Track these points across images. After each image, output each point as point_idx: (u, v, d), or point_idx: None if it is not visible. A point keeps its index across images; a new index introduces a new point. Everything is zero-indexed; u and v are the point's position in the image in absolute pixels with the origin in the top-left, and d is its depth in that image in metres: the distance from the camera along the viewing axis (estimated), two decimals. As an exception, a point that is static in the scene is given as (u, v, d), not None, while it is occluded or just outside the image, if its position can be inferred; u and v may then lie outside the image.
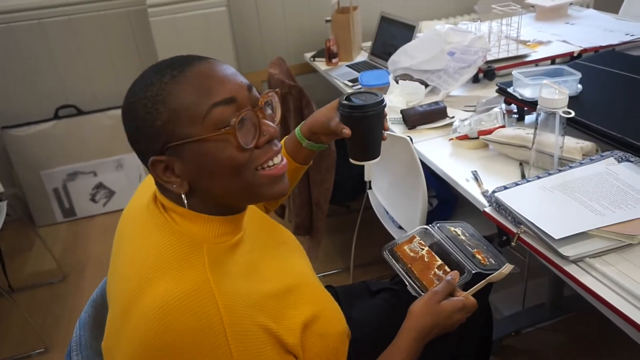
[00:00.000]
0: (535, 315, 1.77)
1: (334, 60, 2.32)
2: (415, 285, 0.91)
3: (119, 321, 0.66)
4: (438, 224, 1.05)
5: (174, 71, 0.66)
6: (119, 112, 2.59)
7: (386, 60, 2.00)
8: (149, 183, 0.78)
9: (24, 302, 2.15)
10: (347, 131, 0.88)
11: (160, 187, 0.72)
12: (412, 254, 0.96)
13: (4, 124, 2.55)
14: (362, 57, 2.39)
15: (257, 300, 0.67)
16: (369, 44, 2.39)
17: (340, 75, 2.17)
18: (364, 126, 0.90)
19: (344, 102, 0.90)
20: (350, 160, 0.95)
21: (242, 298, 0.65)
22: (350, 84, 2.07)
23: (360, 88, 0.82)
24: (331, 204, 1.92)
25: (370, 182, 1.79)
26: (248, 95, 0.69)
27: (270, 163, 0.71)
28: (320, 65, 2.39)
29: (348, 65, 2.29)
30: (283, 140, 1.00)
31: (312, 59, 2.48)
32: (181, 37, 2.36)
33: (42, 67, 2.55)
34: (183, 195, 0.69)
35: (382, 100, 0.90)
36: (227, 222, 0.72)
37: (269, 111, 0.74)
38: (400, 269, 0.96)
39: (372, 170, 1.74)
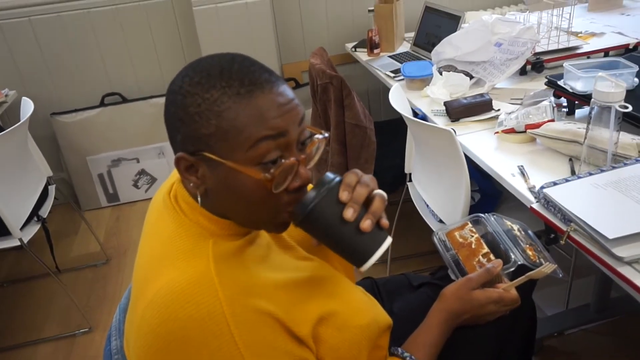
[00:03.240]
0: (580, 316, 1.71)
1: (375, 51, 2.29)
2: (456, 271, 0.90)
3: (131, 311, 0.69)
4: (494, 215, 1.02)
5: (241, 88, 0.62)
6: (161, 100, 2.67)
7: (429, 51, 1.97)
8: (171, 178, 0.79)
9: (70, 282, 2.23)
10: (314, 242, 0.70)
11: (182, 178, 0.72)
12: (460, 240, 0.95)
13: (53, 110, 2.64)
14: (404, 47, 2.35)
15: (266, 290, 0.66)
16: (411, 34, 2.35)
17: (382, 66, 2.15)
18: (316, 230, 0.67)
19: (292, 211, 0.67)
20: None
21: (246, 288, 0.64)
22: (392, 74, 2.04)
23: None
24: (370, 196, 1.90)
25: (410, 174, 1.76)
26: (298, 130, 0.65)
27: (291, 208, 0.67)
28: (362, 55, 2.36)
29: (390, 56, 2.26)
30: None
31: (353, 49, 2.46)
32: (223, 27, 2.38)
33: (89, 56, 2.62)
34: (198, 196, 0.68)
35: (323, 184, 0.66)
36: (239, 227, 0.71)
37: (313, 152, 0.70)
38: (446, 254, 0.94)
39: (413, 162, 1.71)
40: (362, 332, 0.75)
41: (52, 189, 2.10)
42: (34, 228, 1.86)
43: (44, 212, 1.96)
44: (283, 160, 0.63)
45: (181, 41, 2.67)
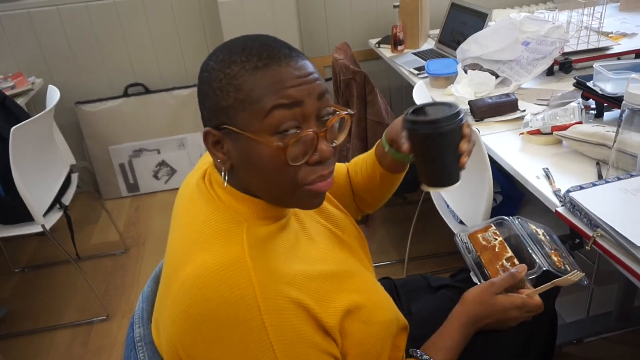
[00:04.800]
0: (601, 324, 1.67)
1: (399, 48, 2.27)
2: (479, 274, 0.88)
3: (162, 294, 0.69)
4: (519, 219, 1.00)
5: (259, 62, 0.64)
6: (183, 92, 2.69)
7: (454, 49, 1.94)
8: (205, 160, 0.80)
9: (89, 270, 2.27)
10: (406, 147, 0.79)
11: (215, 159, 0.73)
12: (484, 243, 0.93)
13: (78, 99, 2.67)
14: (428, 45, 2.32)
15: (297, 279, 0.67)
16: (436, 31, 2.32)
17: (406, 63, 2.12)
18: (433, 145, 0.75)
19: (409, 115, 0.76)
20: (421, 187, 0.81)
21: (278, 275, 0.65)
22: (416, 72, 2.01)
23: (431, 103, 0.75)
24: (389, 194, 1.89)
25: (431, 174, 1.74)
26: (317, 103, 0.66)
27: (317, 180, 0.68)
28: (385, 52, 2.34)
29: (414, 53, 2.23)
30: (377, 144, 0.96)
31: (377, 45, 2.43)
32: (248, 20, 2.38)
33: (114, 46, 2.65)
34: (223, 172, 0.70)
35: (457, 114, 0.74)
36: (270, 207, 0.71)
37: (335, 128, 0.70)
38: (468, 257, 0.93)
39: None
40: (386, 328, 0.75)
41: (74, 177, 2.13)
42: (57, 215, 1.89)
43: (67, 199, 1.99)
44: (298, 131, 0.65)
45: (205, 34, 2.68)
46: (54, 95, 1.95)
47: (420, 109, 0.78)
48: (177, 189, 0.82)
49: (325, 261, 0.74)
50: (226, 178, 0.70)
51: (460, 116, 0.75)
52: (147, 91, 2.73)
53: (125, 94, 2.71)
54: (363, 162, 0.99)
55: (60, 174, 1.99)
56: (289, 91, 0.63)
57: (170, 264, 0.69)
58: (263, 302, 0.61)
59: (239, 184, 0.70)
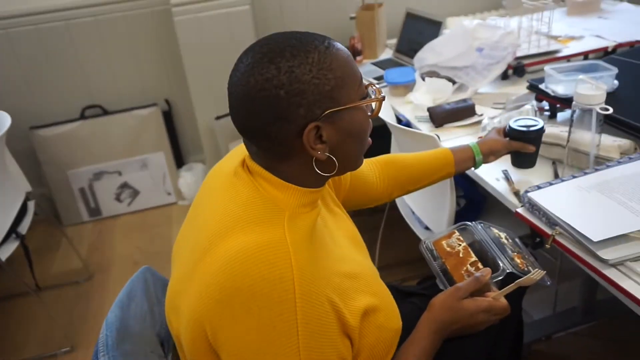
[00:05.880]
0: (567, 319, 1.71)
1: (358, 58, 2.29)
2: (444, 280, 0.88)
3: (191, 267, 0.69)
4: (481, 223, 1.01)
5: (321, 45, 0.70)
6: (143, 111, 2.65)
7: (412, 57, 1.97)
8: (238, 151, 0.82)
9: (50, 301, 2.18)
10: (531, 148, 1.14)
11: (256, 154, 0.74)
12: (448, 249, 0.94)
13: (32, 124, 2.59)
14: (386, 54, 2.35)
15: (327, 274, 0.69)
16: (393, 41, 2.35)
17: (365, 73, 2.14)
18: (537, 142, 1.16)
19: (520, 127, 1.15)
20: (515, 167, 1.21)
21: (314, 266, 0.67)
22: (375, 81, 2.03)
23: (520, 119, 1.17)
24: (355, 204, 1.88)
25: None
26: None
27: None
28: (344, 63, 2.35)
29: (373, 63, 2.25)
30: (447, 149, 1.14)
31: (335, 57, 2.45)
32: (205, 36, 2.36)
33: (68, 67, 2.58)
34: (319, 163, 0.72)
35: (543, 127, 1.15)
36: (308, 194, 0.74)
37: None
38: (434, 264, 0.93)
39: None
40: (395, 336, 0.78)
41: (31, 205, 2.05)
42: (13, 245, 1.81)
43: (23, 228, 1.90)
44: (375, 88, 0.77)
45: (162, 51, 2.64)
46: (4, 121, 1.88)
47: (519, 124, 1.17)
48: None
49: (345, 260, 0.77)
50: (318, 168, 0.73)
51: (543, 126, 1.15)
52: (105, 112, 2.66)
53: (82, 117, 2.64)
54: (419, 163, 1.12)
55: (14, 203, 1.91)
56: (353, 61, 0.73)
57: (204, 237, 0.70)
58: (299, 287, 0.62)
59: (291, 169, 0.73)
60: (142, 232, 2.53)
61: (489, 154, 1.14)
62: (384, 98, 0.76)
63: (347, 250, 0.81)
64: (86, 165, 2.66)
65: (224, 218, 0.70)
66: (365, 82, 0.76)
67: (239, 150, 0.82)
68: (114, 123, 2.65)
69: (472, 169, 1.18)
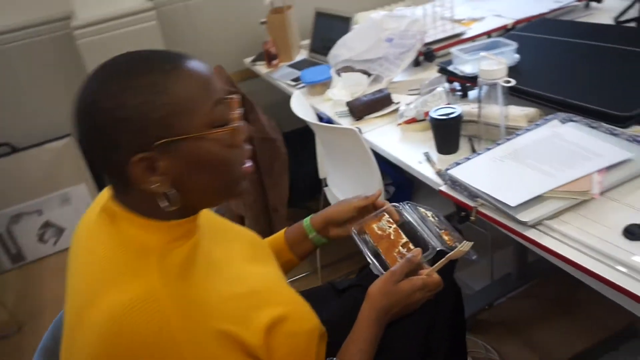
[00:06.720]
0: (504, 285, 1.78)
1: (274, 62, 2.28)
2: (378, 265, 0.89)
3: (69, 337, 0.64)
4: (409, 204, 1.03)
5: (167, 64, 0.62)
6: (56, 144, 2.50)
7: (326, 55, 1.99)
8: (102, 195, 0.75)
9: (-21, 358, 2.01)
10: (377, 193, 1.02)
11: (119, 194, 0.68)
12: (379, 232, 0.94)
13: None
14: (302, 55, 2.36)
15: (216, 304, 0.65)
16: (307, 41, 2.36)
17: (282, 76, 2.14)
18: (457, 128, 1.22)
19: (440, 116, 1.20)
20: (441, 154, 1.24)
21: (197, 304, 0.63)
22: (293, 83, 2.03)
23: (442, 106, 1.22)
24: (289, 207, 1.88)
25: (325, 179, 1.76)
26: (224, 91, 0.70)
27: (247, 161, 0.72)
28: (261, 68, 2.34)
29: (289, 65, 2.26)
30: (283, 231, 1.03)
31: (252, 63, 2.43)
32: (112, 56, 2.26)
33: (-33, 107, 2.40)
34: (162, 199, 0.65)
35: (460, 114, 1.20)
36: (180, 226, 0.69)
37: None
38: (365, 248, 0.93)
39: (325, 166, 1.71)
40: (311, 336, 0.75)
41: (-58, 259, 1.88)
42: None
43: None
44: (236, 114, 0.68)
45: (69, 79, 2.51)
46: None
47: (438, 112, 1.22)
48: (68, 248, 0.76)
49: (241, 279, 0.73)
50: (166, 203, 0.65)
51: (460, 113, 1.19)
52: (15, 150, 2.50)
53: (-10, 157, 2.47)
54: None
55: None
56: (215, 86, 0.65)
57: (74, 305, 0.64)
58: (180, 334, 0.59)
59: (183, 198, 0.66)
60: (74, 269, 2.39)
61: (327, 225, 1.00)
62: (238, 128, 0.68)
63: (243, 266, 0.78)
64: (1, 209, 2.48)
65: (88, 285, 0.64)
66: (229, 101, 0.68)
67: (101, 196, 0.76)
68: (26, 160, 2.49)
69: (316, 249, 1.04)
